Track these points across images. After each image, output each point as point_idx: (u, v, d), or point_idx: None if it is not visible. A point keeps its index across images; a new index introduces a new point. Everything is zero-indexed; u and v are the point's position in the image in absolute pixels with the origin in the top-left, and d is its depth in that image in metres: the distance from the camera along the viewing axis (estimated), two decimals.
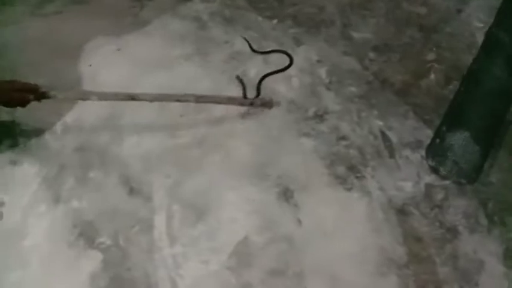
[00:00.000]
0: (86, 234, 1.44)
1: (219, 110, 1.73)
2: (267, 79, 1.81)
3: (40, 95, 1.52)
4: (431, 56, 1.87)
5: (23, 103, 1.52)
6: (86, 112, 1.72)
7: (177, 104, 1.74)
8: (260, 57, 1.88)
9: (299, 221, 1.47)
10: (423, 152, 1.61)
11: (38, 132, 1.67)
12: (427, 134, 1.65)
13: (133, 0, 2.06)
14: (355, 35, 1.95)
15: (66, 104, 1.72)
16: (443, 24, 1.97)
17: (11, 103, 1.53)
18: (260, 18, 2.00)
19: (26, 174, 1.57)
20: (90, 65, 1.85)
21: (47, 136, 1.66)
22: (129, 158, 1.61)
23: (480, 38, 1.71)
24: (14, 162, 1.59)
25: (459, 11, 2.02)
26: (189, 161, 1.61)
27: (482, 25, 1.91)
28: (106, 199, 1.52)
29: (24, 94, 1.50)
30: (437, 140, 1.60)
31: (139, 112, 1.72)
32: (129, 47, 1.92)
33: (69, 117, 1.72)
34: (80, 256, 1.39)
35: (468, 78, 1.65)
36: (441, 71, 1.82)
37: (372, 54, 1.88)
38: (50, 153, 1.62)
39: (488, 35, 1.66)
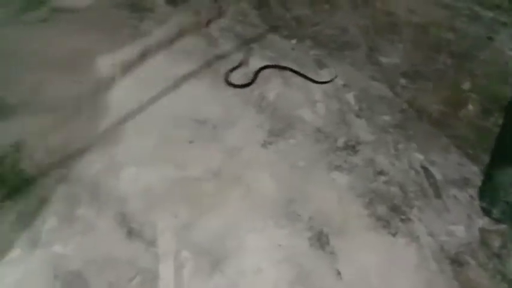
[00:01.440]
0: (71, 287, 1.13)
1: (235, 136, 1.48)
2: (290, 104, 1.59)
3: None
4: (466, 85, 1.71)
5: None
6: (72, 133, 1.44)
7: (186, 128, 1.49)
8: (279, 78, 1.67)
9: (338, 273, 1.21)
10: (471, 191, 1.42)
11: (13, 155, 1.37)
12: (473, 171, 1.46)
13: (131, 11, 1.83)
14: (383, 59, 1.77)
15: (51, 123, 1.44)
16: (475, 51, 1.83)
17: None
18: (277, 38, 1.80)
19: None
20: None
21: (24, 162, 1.36)
22: (127, 193, 1.33)
23: None
24: None
25: (490, 38, 1.90)
26: (202, 198, 1.34)
27: None
28: (98, 243, 1.22)
29: None
30: (486, 179, 1.42)
31: (140, 137, 1.46)
32: (129, 63, 1.66)
33: (52, 138, 1.43)
34: None
35: (510, 112, 1.50)
36: (479, 101, 1.66)
37: (403, 81, 1.70)
38: (28, 184, 1.31)
39: None
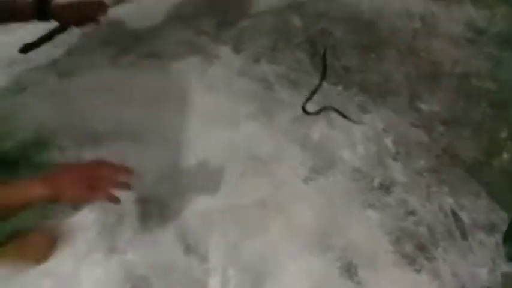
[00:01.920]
0: None
1: (281, 171, 1.70)
2: (332, 145, 1.78)
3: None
4: (504, 134, 1.80)
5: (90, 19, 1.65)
6: (148, 160, 1.73)
7: (237, 163, 1.73)
8: (324, 121, 1.87)
9: None
10: (498, 237, 1.51)
11: None
12: (501, 217, 1.55)
13: (202, 58, 2.13)
14: (424, 106, 1.91)
15: (131, 150, 1.74)
16: None
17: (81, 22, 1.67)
18: (325, 84, 2.01)
19: (84, 219, 1.57)
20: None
21: None
22: (187, 214, 1.58)
23: None
24: (74, 206, 1.59)
25: None
26: (248, 223, 1.56)
27: None
28: (162, 254, 1.48)
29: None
30: (511, 225, 1.50)
31: (200, 167, 1.72)
32: (196, 101, 1.95)
33: (131, 164, 1.72)
34: None
35: None
36: None
37: (441, 128, 1.83)
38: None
39: None
